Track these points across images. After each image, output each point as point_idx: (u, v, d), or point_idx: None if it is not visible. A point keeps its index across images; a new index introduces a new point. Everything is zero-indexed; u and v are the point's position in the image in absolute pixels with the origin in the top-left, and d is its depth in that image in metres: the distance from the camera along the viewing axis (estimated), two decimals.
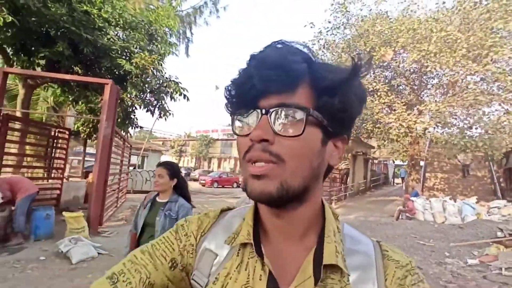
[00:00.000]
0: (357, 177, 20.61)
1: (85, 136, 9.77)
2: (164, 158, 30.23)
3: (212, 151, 41.19)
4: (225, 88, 0.52)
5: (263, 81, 0.46)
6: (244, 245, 0.54)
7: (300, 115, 0.46)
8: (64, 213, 5.91)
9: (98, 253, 5.13)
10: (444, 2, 11.88)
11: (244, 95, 0.49)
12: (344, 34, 13.65)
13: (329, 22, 13.60)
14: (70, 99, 8.81)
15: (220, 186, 26.48)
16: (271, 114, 0.46)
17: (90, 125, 9.19)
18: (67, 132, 8.02)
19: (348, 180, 19.06)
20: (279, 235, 0.54)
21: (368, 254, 0.53)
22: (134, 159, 16.45)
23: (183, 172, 29.44)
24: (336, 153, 0.53)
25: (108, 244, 5.69)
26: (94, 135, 9.42)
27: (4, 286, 3.82)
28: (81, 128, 9.46)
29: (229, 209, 0.65)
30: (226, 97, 0.52)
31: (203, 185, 25.72)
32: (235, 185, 27.61)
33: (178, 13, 10.12)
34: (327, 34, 13.80)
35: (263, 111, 0.47)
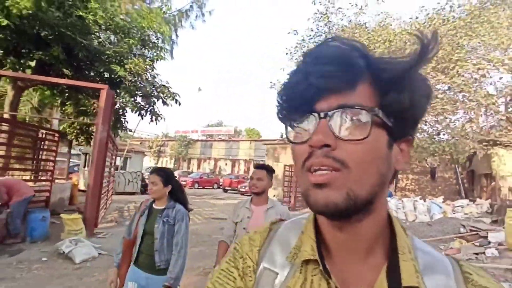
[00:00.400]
0: None
1: (72, 138, 9.75)
2: (146, 159, 29.92)
3: (192, 152, 41.06)
4: (277, 94, 0.49)
5: (321, 78, 0.43)
6: (306, 261, 0.49)
7: (364, 116, 0.43)
8: (62, 215, 6.05)
9: (99, 253, 5.36)
10: (417, 18, 12.84)
11: (298, 98, 0.45)
12: None
13: (312, 30, 14.26)
14: (58, 101, 8.83)
15: (201, 187, 26.62)
16: (331, 117, 0.43)
17: (78, 127, 9.21)
18: (56, 134, 8.05)
19: None
20: (342, 251, 0.49)
21: (447, 275, 0.47)
22: (117, 161, 16.32)
23: None
24: (401, 156, 0.49)
25: (106, 244, 5.90)
26: (81, 137, 9.45)
27: (16, 285, 4.00)
28: (68, 129, 9.45)
29: (280, 221, 0.62)
30: (278, 102, 0.49)
31: (184, 186, 25.56)
32: (215, 186, 27.88)
33: (164, 16, 10.30)
34: (309, 42, 14.43)
35: (321, 114, 0.43)
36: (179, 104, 8.08)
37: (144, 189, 18.14)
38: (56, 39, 6.72)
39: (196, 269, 5.15)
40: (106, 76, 7.91)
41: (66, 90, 8.22)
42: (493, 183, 11.53)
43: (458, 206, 11.27)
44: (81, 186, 12.39)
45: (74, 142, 11.31)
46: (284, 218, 2.06)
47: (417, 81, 0.46)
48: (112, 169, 10.51)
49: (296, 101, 0.46)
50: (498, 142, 10.48)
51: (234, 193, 24.10)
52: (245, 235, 0.60)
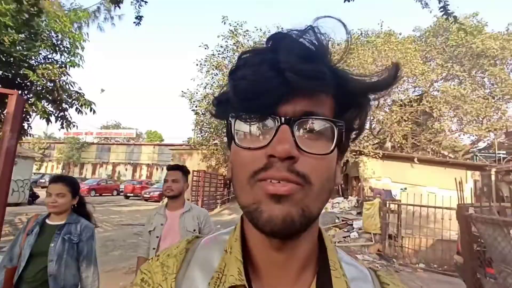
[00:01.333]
0: None
1: None
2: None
3: (85, 155, 37.29)
4: (230, 81, 0.41)
5: (304, 78, 0.37)
6: (233, 287, 0.42)
7: (330, 129, 0.39)
8: None
9: None
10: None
11: (262, 94, 0.37)
12: (234, 59, 15.82)
13: (221, 46, 15.50)
14: None
15: (98, 194, 24.76)
16: (294, 125, 0.38)
17: None
18: None
19: (231, 185, 21.30)
20: (274, 272, 0.44)
21: (369, 286, 0.47)
22: None
23: (47, 180, 25.41)
24: (339, 170, 0.46)
25: None
26: None
27: None
28: None
29: (196, 238, 0.53)
30: (230, 93, 0.41)
31: None
32: (115, 192, 26.29)
33: (68, 14, 10.00)
34: (218, 57, 15.64)
35: (283, 119, 0.37)
36: (94, 112, 8.06)
37: (32, 200, 16.16)
38: None
39: (122, 269, 5.59)
40: (3, 77, 7.36)
41: None
42: (359, 184, 14.79)
43: (336, 202, 14.06)
44: None
45: None
46: (202, 222, 2.38)
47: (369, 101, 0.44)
48: None
49: (257, 98, 0.38)
50: (362, 152, 13.62)
51: (137, 199, 23.34)
52: (156, 261, 0.49)
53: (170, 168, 2.38)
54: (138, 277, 0.49)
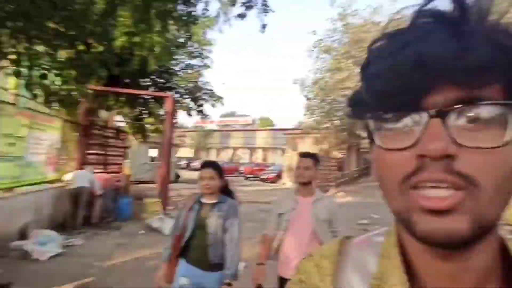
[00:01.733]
0: (351, 165, 22.78)
1: (132, 135, 11.43)
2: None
3: (211, 141, 43.05)
4: (363, 79, 0.37)
5: (461, 72, 0.29)
6: None
7: (499, 115, 0.30)
8: (146, 199, 7.74)
9: None
10: None
11: (400, 92, 0.32)
12: (343, 40, 15.45)
13: (330, 30, 15.36)
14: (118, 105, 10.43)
15: None
16: (448, 116, 0.31)
17: (137, 126, 10.86)
18: (125, 135, 9.70)
19: (343, 168, 21.19)
20: (443, 284, 0.37)
21: None
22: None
23: (184, 162, 29.80)
24: None
25: None
26: (139, 135, 11.09)
27: (135, 244, 5.66)
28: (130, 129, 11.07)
29: (346, 238, 0.50)
30: (364, 92, 0.35)
31: None
32: (236, 173, 29.48)
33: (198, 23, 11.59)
34: (327, 40, 15.57)
35: (432, 112, 0.31)
36: (223, 105, 9.62)
37: (176, 178, 19.76)
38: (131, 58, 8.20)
39: (256, 237, 6.65)
40: (159, 81, 9.40)
41: (124, 97, 9.78)
42: None
43: None
44: None
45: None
46: (333, 213, 2.47)
47: None
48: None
49: (396, 95, 0.32)
50: None
51: (256, 180, 25.56)
52: (310, 261, 0.49)
53: (303, 155, 2.42)
54: (295, 276, 0.48)
